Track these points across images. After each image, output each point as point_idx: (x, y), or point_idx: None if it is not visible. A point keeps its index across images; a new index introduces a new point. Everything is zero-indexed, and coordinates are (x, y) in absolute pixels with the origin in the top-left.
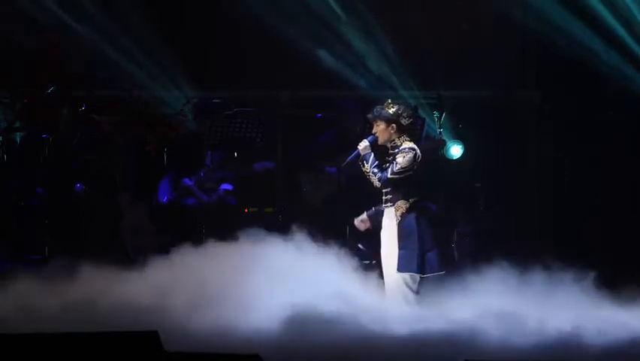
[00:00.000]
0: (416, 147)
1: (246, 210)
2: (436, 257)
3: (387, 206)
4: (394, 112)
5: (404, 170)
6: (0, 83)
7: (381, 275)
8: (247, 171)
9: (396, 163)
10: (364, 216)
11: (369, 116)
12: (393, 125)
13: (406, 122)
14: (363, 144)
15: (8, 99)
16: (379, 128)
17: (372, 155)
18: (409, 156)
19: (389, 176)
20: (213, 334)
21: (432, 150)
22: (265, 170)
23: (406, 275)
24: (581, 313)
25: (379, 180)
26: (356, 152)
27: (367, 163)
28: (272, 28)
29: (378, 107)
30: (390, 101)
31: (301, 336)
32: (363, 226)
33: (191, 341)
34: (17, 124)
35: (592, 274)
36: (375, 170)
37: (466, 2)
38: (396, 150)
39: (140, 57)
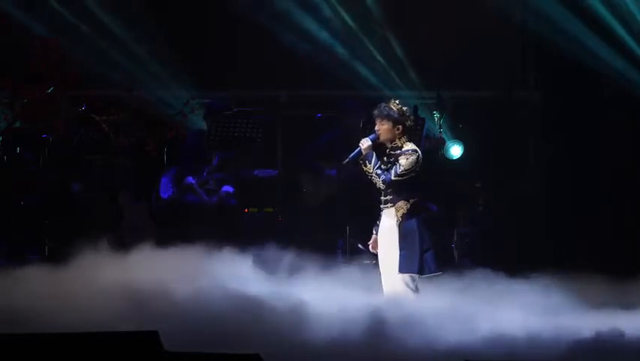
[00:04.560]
0: (418, 149)
1: (246, 210)
2: (432, 258)
3: (386, 207)
4: (402, 113)
5: (407, 172)
6: (0, 83)
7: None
8: (247, 172)
9: (400, 165)
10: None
11: (375, 112)
12: (400, 126)
13: (410, 123)
14: (366, 143)
15: (8, 99)
16: (383, 128)
17: (375, 155)
18: (412, 158)
19: (393, 178)
20: None
21: (432, 149)
22: (267, 176)
23: (406, 275)
24: (581, 313)
25: (383, 182)
26: (358, 150)
27: (370, 164)
28: (272, 29)
29: (386, 106)
30: (397, 101)
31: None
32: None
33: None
34: (17, 124)
35: (592, 274)
36: (379, 171)
37: (466, 2)
38: (398, 152)
39: (140, 57)
